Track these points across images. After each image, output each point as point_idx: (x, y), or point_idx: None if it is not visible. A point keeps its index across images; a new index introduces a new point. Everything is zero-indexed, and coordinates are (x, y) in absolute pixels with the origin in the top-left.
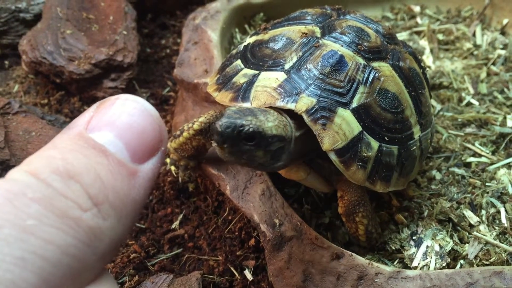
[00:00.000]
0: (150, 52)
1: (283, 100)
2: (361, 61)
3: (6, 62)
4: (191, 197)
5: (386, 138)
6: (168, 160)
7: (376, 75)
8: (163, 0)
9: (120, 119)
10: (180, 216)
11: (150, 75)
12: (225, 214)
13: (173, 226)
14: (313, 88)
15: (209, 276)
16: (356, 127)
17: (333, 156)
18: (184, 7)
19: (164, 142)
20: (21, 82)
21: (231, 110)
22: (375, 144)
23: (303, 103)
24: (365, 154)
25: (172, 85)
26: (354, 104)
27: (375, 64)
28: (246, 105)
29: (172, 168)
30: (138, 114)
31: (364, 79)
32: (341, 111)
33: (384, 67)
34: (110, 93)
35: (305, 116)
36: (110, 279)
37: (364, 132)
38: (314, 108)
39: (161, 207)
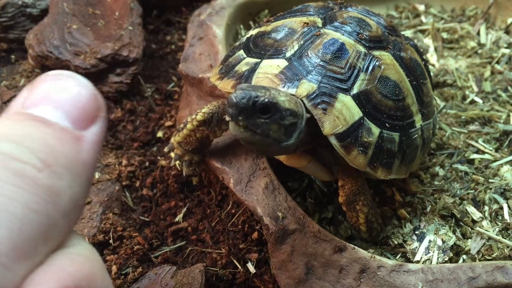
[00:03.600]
0: (155, 48)
1: (284, 86)
2: (362, 49)
3: (13, 57)
4: (195, 190)
5: (387, 124)
6: (172, 155)
7: (377, 63)
8: None
9: (54, 92)
10: (184, 210)
11: (155, 71)
12: (229, 207)
13: (176, 219)
14: (314, 74)
15: (212, 268)
16: (356, 113)
17: (333, 140)
18: (189, 4)
19: (102, 109)
20: (27, 76)
21: (243, 85)
22: (376, 130)
23: (304, 88)
24: (366, 140)
25: (177, 81)
26: (355, 91)
27: (376, 53)
28: None
29: (177, 163)
30: (71, 86)
31: (365, 66)
32: (341, 96)
33: (385, 56)
34: (116, 87)
35: (306, 101)
36: (79, 237)
37: (365, 117)
38: (315, 93)
39: (165, 201)
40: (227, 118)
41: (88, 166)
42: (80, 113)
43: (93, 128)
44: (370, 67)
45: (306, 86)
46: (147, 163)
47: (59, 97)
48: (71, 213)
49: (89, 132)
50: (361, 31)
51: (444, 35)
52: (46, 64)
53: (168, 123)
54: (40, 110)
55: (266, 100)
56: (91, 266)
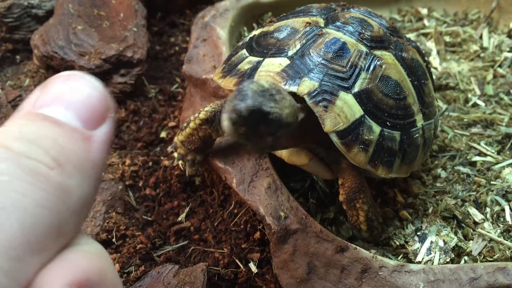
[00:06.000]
0: (159, 50)
1: (285, 83)
2: (364, 48)
3: (18, 57)
4: (198, 190)
5: (388, 123)
6: (175, 155)
7: (378, 62)
8: None
9: (65, 93)
10: (187, 209)
11: (159, 72)
12: (231, 207)
13: (179, 219)
14: (316, 73)
15: (214, 268)
16: (357, 111)
17: (334, 138)
18: (193, 6)
19: (111, 109)
20: (32, 76)
21: (252, 90)
22: (376, 128)
23: (305, 86)
24: (366, 137)
25: (180, 82)
26: (356, 89)
27: (377, 52)
28: None
29: (180, 162)
30: (82, 86)
31: (366, 65)
32: (343, 94)
33: (386, 56)
34: (120, 88)
35: (307, 98)
36: (88, 236)
37: (365, 116)
38: (316, 91)
39: (167, 200)
40: (225, 122)
41: (97, 165)
42: (90, 113)
43: (102, 128)
44: (372, 66)
45: (308, 84)
46: (150, 163)
47: (70, 98)
48: (80, 211)
49: (99, 132)
50: (363, 31)
51: (447, 38)
52: (51, 64)
53: (172, 124)
54: (52, 110)
55: (273, 117)
56: (101, 262)
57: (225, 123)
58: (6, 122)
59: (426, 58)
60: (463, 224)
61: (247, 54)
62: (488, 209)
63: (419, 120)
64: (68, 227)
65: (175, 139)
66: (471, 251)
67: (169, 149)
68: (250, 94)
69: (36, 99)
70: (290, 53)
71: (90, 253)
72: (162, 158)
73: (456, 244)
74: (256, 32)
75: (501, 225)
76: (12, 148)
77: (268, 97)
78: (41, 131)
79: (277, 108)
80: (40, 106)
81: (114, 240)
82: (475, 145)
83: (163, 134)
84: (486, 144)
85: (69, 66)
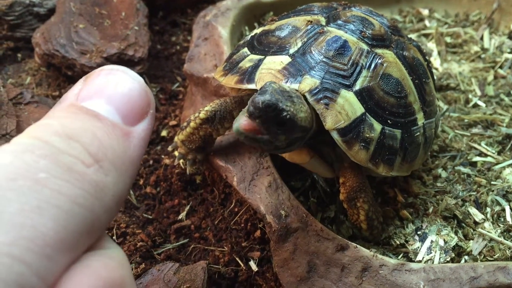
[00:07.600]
0: (160, 49)
1: (287, 81)
2: (365, 47)
3: (19, 55)
4: (198, 189)
5: (389, 121)
6: (176, 154)
7: (379, 61)
8: None
9: (108, 87)
10: (187, 208)
11: (160, 71)
12: (232, 206)
13: (180, 217)
14: (317, 70)
15: (214, 266)
16: (359, 109)
17: (335, 135)
18: (195, 5)
19: (152, 105)
20: (33, 74)
21: (272, 88)
22: (378, 126)
23: (307, 83)
24: (367, 135)
25: (181, 81)
26: (357, 87)
27: (378, 51)
28: (251, 86)
29: (181, 161)
30: (124, 81)
31: (368, 64)
32: (344, 92)
33: (387, 54)
34: None
35: (308, 96)
36: (111, 240)
37: (367, 113)
38: (318, 89)
39: (168, 199)
40: (243, 115)
41: (134, 163)
42: (130, 109)
43: (141, 124)
44: (373, 65)
45: (309, 82)
46: (151, 162)
47: (112, 92)
48: (113, 209)
49: (138, 128)
50: (364, 29)
51: (448, 39)
52: (52, 62)
53: (173, 123)
54: (93, 103)
55: (288, 116)
56: (122, 272)
57: (241, 117)
58: (48, 113)
59: (427, 57)
60: (463, 224)
61: (249, 52)
62: (488, 209)
63: (420, 119)
64: (100, 225)
65: (176, 138)
66: (471, 251)
67: (170, 148)
68: (269, 90)
69: (79, 91)
70: (291, 51)
71: (113, 261)
72: (163, 156)
73: (456, 244)
74: (257, 30)
75: (502, 225)
76: (52, 143)
77: (286, 97)
78: (82, 126)
79: (292, 108)
80: (83, 98)
81: (114, 238)
82: (475, 145)
83: (164, 133)
84: (486, 144)
85: (70, 64)
